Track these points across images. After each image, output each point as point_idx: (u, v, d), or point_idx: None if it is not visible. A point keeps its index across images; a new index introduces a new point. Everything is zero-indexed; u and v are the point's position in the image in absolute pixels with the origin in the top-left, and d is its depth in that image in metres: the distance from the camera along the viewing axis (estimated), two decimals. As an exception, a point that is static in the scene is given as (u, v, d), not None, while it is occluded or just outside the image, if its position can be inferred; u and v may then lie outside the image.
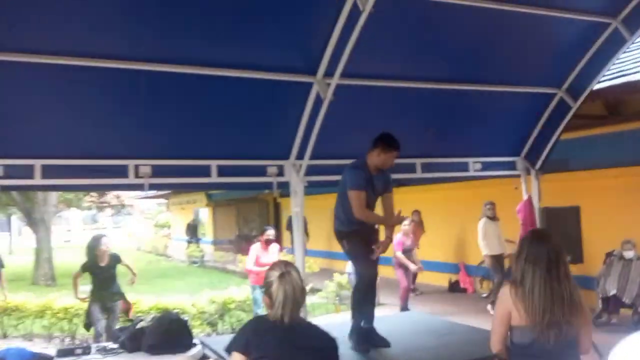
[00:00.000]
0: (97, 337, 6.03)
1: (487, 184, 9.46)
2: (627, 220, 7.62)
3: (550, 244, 2.68)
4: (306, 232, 12.53)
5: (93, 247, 6.69)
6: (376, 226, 4.88)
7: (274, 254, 7.82)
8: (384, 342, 4.40)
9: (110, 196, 21.05)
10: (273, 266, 2.45)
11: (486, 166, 6.86)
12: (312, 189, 5.56)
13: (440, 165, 6.58)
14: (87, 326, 6.76)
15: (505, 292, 2.69)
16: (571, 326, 2.60)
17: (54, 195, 17.49)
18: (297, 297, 2.34)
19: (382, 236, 4.86)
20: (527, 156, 6.95)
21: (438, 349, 4.55)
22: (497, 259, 8.88)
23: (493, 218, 8.90)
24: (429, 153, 6.40)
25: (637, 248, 7.46)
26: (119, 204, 21.76)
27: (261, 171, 5.66)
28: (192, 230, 23.15)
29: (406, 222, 9.00)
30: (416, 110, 5.90)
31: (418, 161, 6.37)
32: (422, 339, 4.81)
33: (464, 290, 10.91)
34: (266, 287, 2.41)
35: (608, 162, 8.08)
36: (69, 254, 25.19)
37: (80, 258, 7.18)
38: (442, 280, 11.49)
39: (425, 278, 11.06)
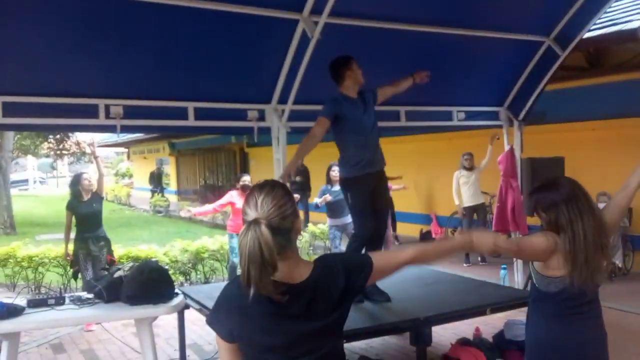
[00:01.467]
0: (87, 288, 5.73)
1: (461, 136, 9.40)
2: (606, 172, 7.66)
3: (567, 179, 2.52)
4: (308, 186, 12.28)
5: (76, 182, 6.42)
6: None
7: (240, 199, 7.60)
8: (383, 297, 4.25)
9: (70, 143, 20.18)
10: (251, 194, 1.72)
11: (470, 116, 6.75)
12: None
13: (424, 114, 6.44)
14: (75, 274, 6.47)
15: (551, 237, 2.41)
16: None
17: (10, 141, 16.70)
18: (265, 259, 1.56)
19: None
20: (511, 107, 6.84)
21: (429, 297, 4.49)
22: (470, 210, 8.89)
23: (470, 169, 8.85)
24: (413, 101, 6.21)
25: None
26: (78, 152, 20.89)
27: (241, 115, 5.38)
28: (156, 179, 22.62)
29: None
30: (403, 55, 5.66)
31: (402, 109, 6.21)
32: (410, 287, 4.73)
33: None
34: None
35: (587, 114, 8.07)
36: (28, 203, 24.52)
37: (39, 207, 6.79)
38: (413, 230, 11.53)
39: (398, 228, 11.06)
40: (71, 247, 6.31)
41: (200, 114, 5.16)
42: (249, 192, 1.77)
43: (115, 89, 4.81)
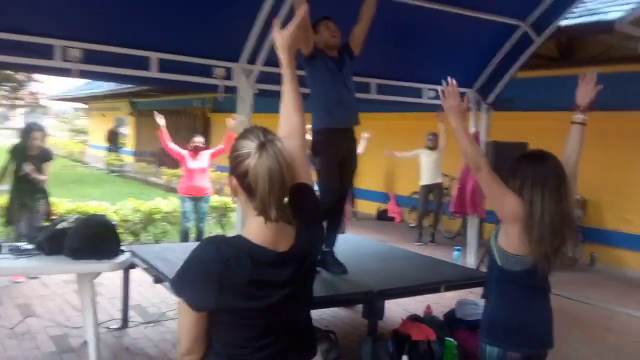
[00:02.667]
0: (18, 238, 5.45)
1: (427, 117, 9.36)
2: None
3: (552, 159, 2.43)
4: None
5: (28, 131, 6.08)
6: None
7: (203, 162, 7.37)
8: (340, 269, 4.14)
9: (24, 93, 19.33)
10: (244, 133, 1.60)
11: (439, 95, 6.66)
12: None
13: (394, 89, 6.33)
14: (8, 223, 6.14)
15: (517, 204, 2.34)
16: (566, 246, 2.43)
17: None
18: (286, 181, 1.52)
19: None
20: (481, 89, 6.81)
21: (384, 271, 4.43)
22: (426, 189, 8.95)
23: (432, 148, 8.85)
24: (384, 74, 6.10)
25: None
26: (33, 103, 20.01)
27: (207, 72, 5.15)
28: (113, 137, 21.93)
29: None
30: (377, 26, 5.50)
31: (373, 81, 6.09)
32: (367, 261, 4.67)
33: (392, 219, 11.01)
34: (234, 165, 1.57)
35: (554, 105, 8.11)
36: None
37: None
38: (371, 208, 11.52)
39: (357, 206, 11.03)
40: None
41: (163, 66, 4.91)
42: (241, 133, 1.63)
43: (75, 30, 4.51)
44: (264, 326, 1.60)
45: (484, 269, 6.36)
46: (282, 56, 1.87)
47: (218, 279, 1.50)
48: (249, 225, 1.61)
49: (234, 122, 5.89)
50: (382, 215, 11.16)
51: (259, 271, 1.54)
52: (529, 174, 2.38)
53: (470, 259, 6.79)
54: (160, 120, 7.29)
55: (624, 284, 7.18)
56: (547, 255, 2.35)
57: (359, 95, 6.00)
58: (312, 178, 1.84)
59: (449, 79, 2.63)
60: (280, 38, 1.87)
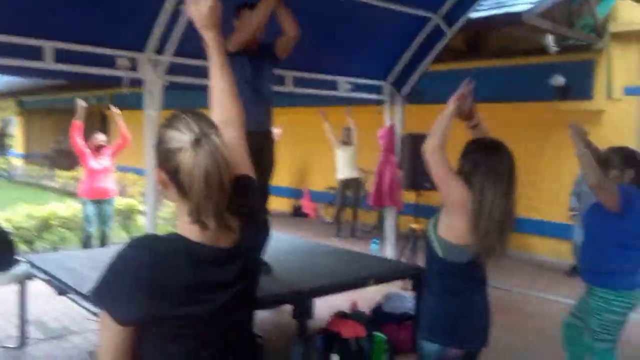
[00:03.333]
0: None
1: (341, 111, 9.35)
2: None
3: (507, 152, 2.34)
4: None
5: None
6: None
7: (106, 161, 6.85)
8: (265, 267, 3.90)
9: None
10: (173, 121, 1.36)
11: (355, 88, 6.61)
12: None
13: (311, 82, 6.17)
14: None
15: (464, 194, 2.24)
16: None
17: None
18: (225, 184, 1.32)
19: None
20: (395, 82, 6.82)
21: (311, 269, 4.26)
22: (343, 184, 8.88)
23: (347, 143, 8.81)
24: (300, 67, 5.93)
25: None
26: None
27: (109, 62, 4.72)
28: (-1, 140, 20.23)
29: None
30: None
31: (289, 74, 5.89)
32: (291, 258, 4.48)
33: (307, 215, 10.90)
34: (162, 158, 1.35)
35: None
36: None
37: None
38: (285, 205, 11.34)
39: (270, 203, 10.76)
40: None
41: (60, 57, 4.43)
42: (169, 120, 1.37)
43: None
44: (207, 337, 1.38)
45: (403, 260, 6.40)
46: (206, 35, 1.62)
47: (149, 284, 1.29)
48: (183, 220, 1.36)
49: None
50: (297, 212, 11.01)
51: (198, 272, 1.34)
52: (482, 162, 2.28)
53: (389, 251, 6.79)
54: (82, 104, 6.65)
55: (534, 268, 7.50)
56: (491, 249, 2.27)
57: (274, 88, 5.85)
58: (252, 172, 1.62)
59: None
60: (198, 13, 1.61)
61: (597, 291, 3.16)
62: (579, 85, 7.55)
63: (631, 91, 7.21)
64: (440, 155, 2.31)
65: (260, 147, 3.92)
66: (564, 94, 7.56)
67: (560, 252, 7.49)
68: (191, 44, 4.54)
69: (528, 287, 6.34)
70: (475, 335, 2.37)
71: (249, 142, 3.75)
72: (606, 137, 7.32)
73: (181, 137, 1.30)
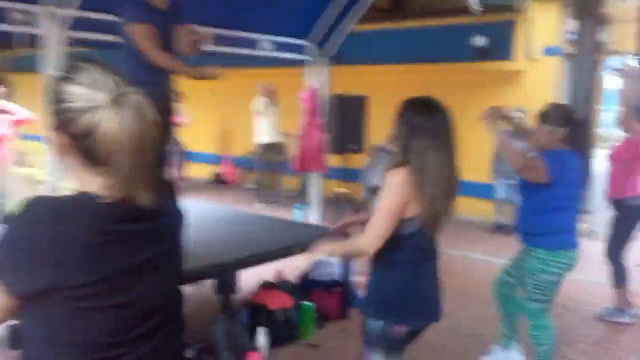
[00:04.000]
0: None
1: (261, 74, 9.01)
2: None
3: (446, 112, 2.18)
4: None
5: None
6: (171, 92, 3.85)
7: (2, 126, 6.15)
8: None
9: None
10: (75, 74, 1.13)
11: (276, 47, 6.30)
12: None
13: (231, 40, 5.80)
14: None
15: (404, 178, 2.08)
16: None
17: None
18: (155, 147, 1.13)
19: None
20: (319, 42, 6.56)
21: (233, 239, 4.00)
22: (267, 148, 8.58)
23: (269, 101, 8.47)
24: (219, 24, 5.54)
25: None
26: None
27: (1, 17, 4.15)
28: None
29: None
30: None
31: (209, 31, 5.46)
32: (212, 228, 4.20)
33: (228, 182, 10.56)
34: (64, 120, 1.12)
35: (388, 58, 8.22)
36: None
37: None
38: (205, 172, 10.94)
39: (189, 170, 10.36)
40: None
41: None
42: (66, 73, 1.15)
43: None
44: (123, 312, 1.16)
45: (329, 225, 6.27)
46: None
47: (49, 247, 1.09)
48: (84, 177, 1.15)
49: None
50: (218, 179, 10.64)
51: (107, 230, 1.13)
52: (420, 124, 2.11)
53: (314, 217, 6.66)
54: None
55: (458, 228, 7.56)
56: (438, 216, 2.13)
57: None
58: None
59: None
60: None
61: (534, 252, 3.15)
62: (500, 45, 7.60)
63: (550, 51, 7.33)
64: (377, 239, 2.13)
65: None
66: (484, 54, 7.60)
67: (483, 211, 7.63)
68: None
69: (451, 247, 6.40)
70: (422, 312, 2.23)
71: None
72: (526, 97, 7.45)
73: (93, 95, 1.10)
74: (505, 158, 3.12)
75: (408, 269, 2.17)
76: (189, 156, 9.89)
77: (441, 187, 2.09)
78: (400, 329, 2.18)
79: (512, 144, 3.14)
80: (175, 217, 1.35)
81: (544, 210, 3.08)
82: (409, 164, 2.09)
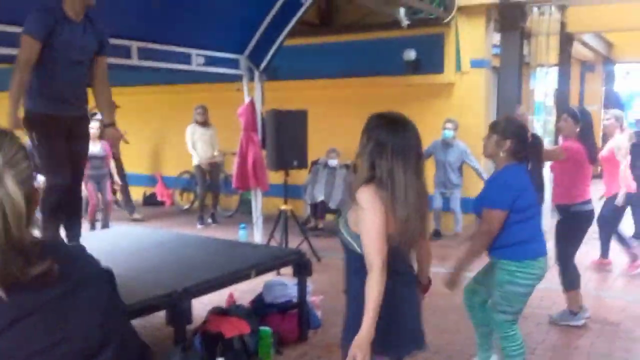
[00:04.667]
0: None
1: (193, 89, 8.74)
2: (336, 130, 7.89)
3: (414, 129, 2.11)
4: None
5: None
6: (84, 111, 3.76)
7: None
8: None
9: None
10: None
11: (209, 62, 6.09)
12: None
13: (160, 54, 5.53)
14: None
15: (376, 193, 2.00)
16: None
17: None
18: (13, 236, 0.98)
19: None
20: (251, 56, 6.41)
21: (180, 265, 3.75)
22: (203, 169, 8.26)
23: (204, 124, 8.20)
24: (147, 37, 5.28)
25: (341, 157, 7.81)
26: None
27: None
28: None
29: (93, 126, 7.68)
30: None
31: (134, 44, 5.21)
32: (154, 254, 3.93)
33: (162, 203, 10.11)
34: None
35: (319, 73, 8.18)
36: None
37: None
38: (136, 193, 10.44)
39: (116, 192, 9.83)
40: None
41: None
42: None
43: None
44: None
45: (274, 243, 6.10)
46: None
47: None
48: None
49: None
50: (151, 200, 10.17)
51: None
52: (388, 141, 2.03)
53: (258, 236, 6.45)
54: None
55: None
56: (413, 235, 2.04)
57: (118, 61, 5.17)
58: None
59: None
60: None
61: (501, 264, 3.13)
62: (430, 58, 7.74)
63: (477, 64, 7.55)
64: (377, 253, 2.01)
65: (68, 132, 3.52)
66: (415, 67, 7.72)
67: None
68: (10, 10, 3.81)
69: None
70: (405, 339, 2.12)
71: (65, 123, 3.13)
72: (456, 108, 7.64)
73: None
74: (482, 244, 3.17)
75: (388, 294, 2.02)
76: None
77: (413, 206, 2.02)
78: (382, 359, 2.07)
79: (469, 253, 3.22)
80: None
81: (506, 223, 3.08)
82: (375, 181, 2.03)
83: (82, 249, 1.17)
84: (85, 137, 3.81)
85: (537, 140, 3.26)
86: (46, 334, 1.00)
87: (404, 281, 2.13)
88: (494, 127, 3.20)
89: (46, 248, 1.04)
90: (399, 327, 2.08)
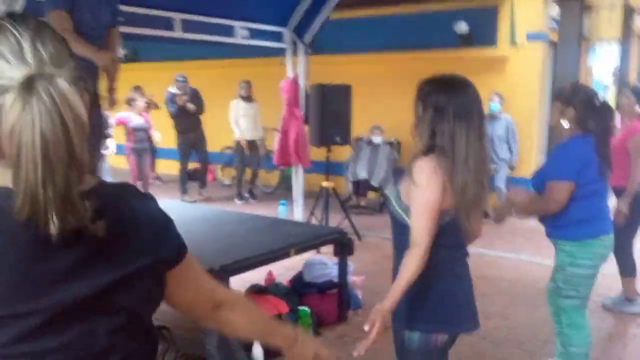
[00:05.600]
0: None
1: (237, 64, 8.64)
2: (382, 106, 7.67)
3: (473, 87, 1.93)
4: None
5: None
6: None
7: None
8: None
9: None
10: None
11: (253, 35, 5.94)
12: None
13: (203, 26, 5.40)
14: None
15: (435, 166, 1.83)
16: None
17: None
18: (77, 157, 0.83)
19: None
20: (296, 29, 6.22)
21: (220, 241, 3.67)
22: (247, 144, 8.18)
23: (248, 99, 8.09)
24: (190, 9, 5.16)
25: (385, 134, 7.60)
26: None
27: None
28: None
29: (137, 98, 7.69)
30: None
31: (177, 16, 5.09)
32: (195, 230, 3.85)
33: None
34: None
35: (368, 46, 7.95)
36: None
37: None
38: (178, 168, 10.52)
39: (161, 166, 9.93)
40: None
41: None
42: None
43: None
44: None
45: (314, 221, 5.98)
46: None
47: None
48: None
49: None
50: (192, 175, 10.19)
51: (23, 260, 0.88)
52: (448, 105, 1.85)
53: (298, 213, 6.34)
54: None
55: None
56: (471, 203, 1.87)
57: (160, 33, 5.09)
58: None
59: None
60: None
61: (560, 245, 2.92)
62: (483, 31, 7.39)
63: (534, 37, 7.16)
64: (425, 234, 1.85)
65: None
66: (467, 41, 7.39)
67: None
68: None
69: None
70: (462, 316, 1.96)
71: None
72: (509, 84, 7.28)
73: (4, 70, 0.81)
74: (541, 212, 2.95)
75: (443, 269, 1.90)
76: (159, 153, 9.46)
77: (474, 172, 1.84)
78: (442, 338, 1.92)
79: (529, 205, 2.98)
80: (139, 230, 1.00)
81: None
82: (437, 150, 1.86)
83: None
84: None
85: (606, 110, 2.95)
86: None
87: (461, 256, 1.98)
88: (558, 94, 2.97)
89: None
90: (456, 303, 1.94)
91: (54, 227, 0.82)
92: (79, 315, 0.92)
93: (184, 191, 8.27)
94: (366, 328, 1.77)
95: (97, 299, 0.93)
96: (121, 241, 0.95)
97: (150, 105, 8.55)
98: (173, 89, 8.12)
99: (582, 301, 2.95)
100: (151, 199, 1.06)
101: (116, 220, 0.93)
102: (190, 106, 7.99)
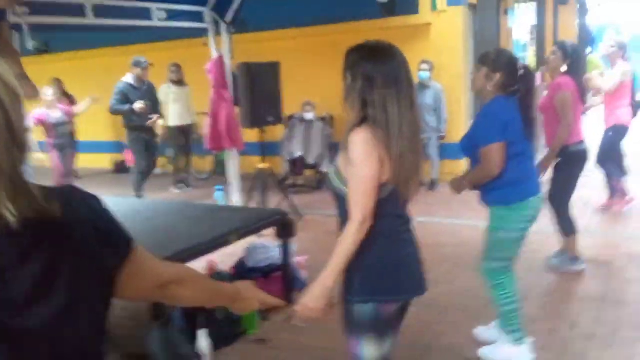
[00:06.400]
0: None
1: (160, 48, 8.30)
2: (311, 81, 7.58)
3: (400, 54, 1.89)
4: None
5: None
6: None
7: None
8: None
9: None
10: None
11: (171, 16, 5.69)
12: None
13: (117, 10, 5.13)
14: None
15: (371, 135, 1.79)
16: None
17: None
18: (15, 127, 0.82)
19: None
20: (216, 7, 6.01)
21: (157, 233, 3.51)
22: (181, 131, 7.90)
23: (179, 82, 7.78)
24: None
25: (317, 109, 7.53)
26: None
27: None
28: None
29: (49, 93, 7.19)
30: None
31: (89, 2, 4.80)
32: (129, 225, 3.65)
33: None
34: None
35: (292, 21, 7.81)
36: None
37: None
38: (104, 161, 10.07)
39: (83, 161, 9.48)
40: None
41: None
42: None
43: None
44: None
45: (253, 205, 5.87)
46: None
47: None
48: None
49: None
50: (121, 168, 9.80)
51: None
52: (376, 73, 1.81)
53: (236, 197, 6.22)
54: None
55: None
56: (409, 175, 1.84)
57: (72, 21, 4.80)
58: None
59: None
60: None
61: (492, 210, 2.97)
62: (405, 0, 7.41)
63: (454, 2, 7.25)
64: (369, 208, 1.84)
65: None
66: (389, 9, 7.38)
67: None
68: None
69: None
70: (410, 284, 1.96)
71: None
72: (434, 49, 7.37)
73: None
74: (484, 180, 2.94)
75: (390, 238, 1.90)
76: (80, 146, 8.99)
77: (409, 141, 1.82)
78: (391, 307, 1.92)
79: (471, 176, 3.05)
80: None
81: None
82: (369, 120, 1.82)
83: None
84: None
85: (529, 73, 3.01)
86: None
87: (406, 224, 1.97)
88: (483, 60, 2.99)
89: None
90: (405, 270, 1.94)
91: (10, 215, 0.78)
92: None
93: (139, 190, 7.21)
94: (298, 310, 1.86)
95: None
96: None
97: (71, 99, 8.10)
98: (131, 79, 6.90)
99: (507, 262, 3.02)
100: (94, 198, 1.02)
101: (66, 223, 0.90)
102: (152, 121, 6.90)
